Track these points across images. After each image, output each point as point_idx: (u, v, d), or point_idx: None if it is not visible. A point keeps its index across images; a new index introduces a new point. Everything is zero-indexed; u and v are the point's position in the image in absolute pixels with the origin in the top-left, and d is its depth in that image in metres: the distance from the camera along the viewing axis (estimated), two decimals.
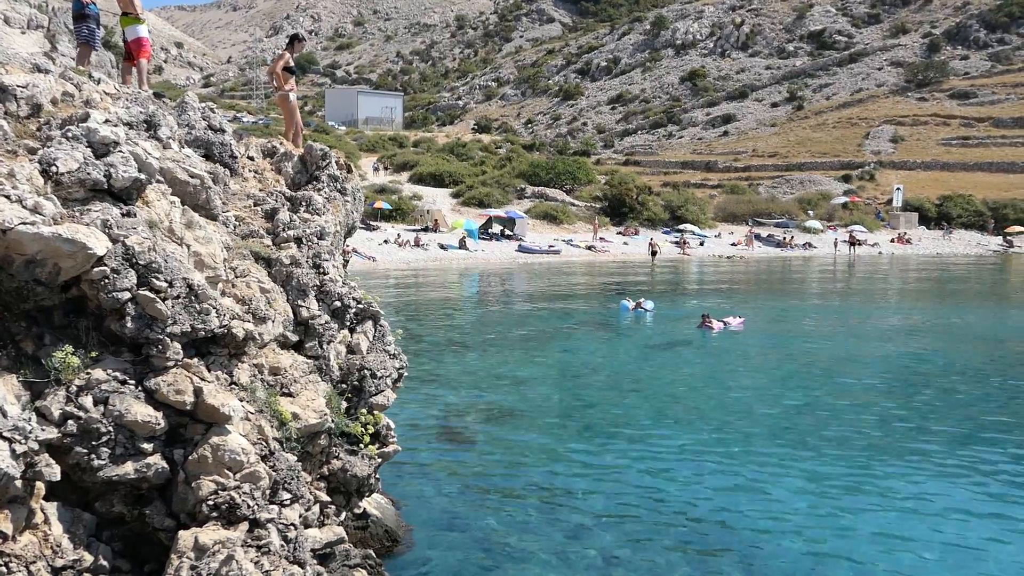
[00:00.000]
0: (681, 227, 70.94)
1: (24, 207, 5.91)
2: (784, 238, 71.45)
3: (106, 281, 6.21)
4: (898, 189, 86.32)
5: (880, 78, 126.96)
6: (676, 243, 65.48)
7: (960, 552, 10.34)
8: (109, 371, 6.25)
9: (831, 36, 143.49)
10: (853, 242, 68.77)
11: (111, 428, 6.06)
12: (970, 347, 25.18)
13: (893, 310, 35.64)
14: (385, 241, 53.32)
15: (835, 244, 69.40)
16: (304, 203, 9.70)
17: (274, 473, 6.74)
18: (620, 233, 69.02)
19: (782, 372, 21.30)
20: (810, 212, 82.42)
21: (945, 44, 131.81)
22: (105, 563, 6.10)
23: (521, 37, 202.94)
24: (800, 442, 14.90)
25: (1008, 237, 77.55)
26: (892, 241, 75.56)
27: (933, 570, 9.86)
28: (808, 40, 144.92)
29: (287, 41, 13.04)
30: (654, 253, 57.09)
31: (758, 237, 70.36)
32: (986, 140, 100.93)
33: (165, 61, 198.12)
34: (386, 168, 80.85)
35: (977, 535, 10.85)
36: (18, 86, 7.08)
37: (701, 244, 67.23)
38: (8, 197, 5.87)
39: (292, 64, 12.69)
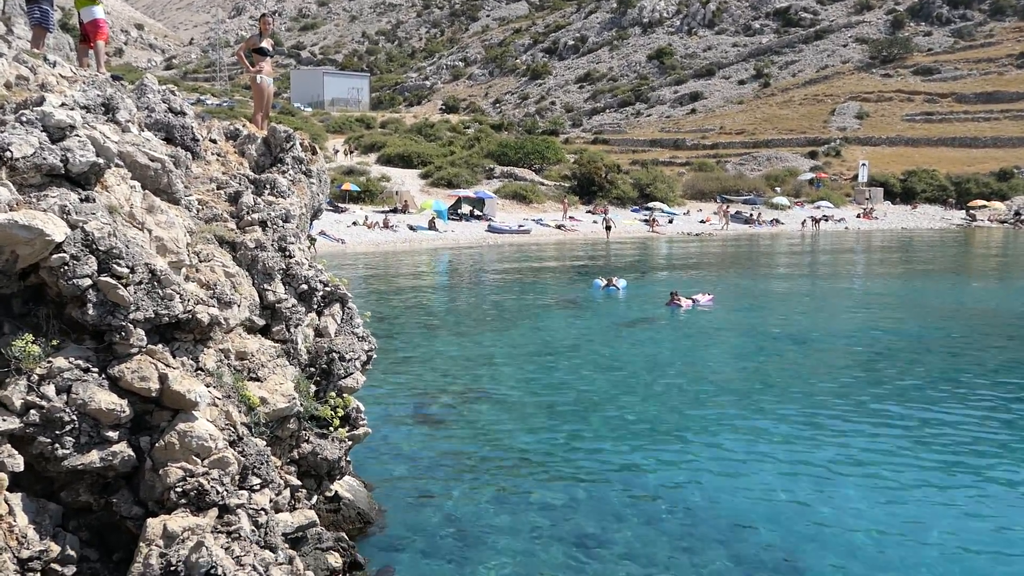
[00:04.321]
0: (650, 205, 71.13)
1: None
2: (752, 215, 71.91)
3: (66, 268, 6.11)
4: (863, 165, 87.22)
5: (845, 55, 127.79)
6: (645, 221, 65.66)
7: (921, 517, 10.56)
8: (71, 359, 6.17)
9: (796, 13, 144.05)
10: (817, 220, 69.78)
11: (75, 417, 5.98)
12: (933, 319, 25.58)
13: (859, 285, 36.11)
14: (354, 223, 52.89)
15: (802, 224, 70.13)
16: (268, 186, 9.60)
17: (243, 458, 6.70)
18: (590, 212, 69.07)
19: (750, 348, 21.49)
20: (777, 189, 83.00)
21: (909, 20, 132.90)
22: (72, 553, 6.04)
23: (488, 16, 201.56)
24: (770, 416, 15.08)
25: (971, 211, 78.74)
26: (858, 216, 76.40)
27: (893, 536, 10.05)
28: (774, 17, 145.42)
29: (257, 22, 12.83)
30: (608, 228, 57.77)
31: (724, 212, 70.65)
32: (949, 116, 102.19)
33: (125, 43, 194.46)
34: (351, 151, 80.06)
35: (949, 497, 11.09)
36: None
37: (670, 222, 67.47)
38: None
39: (264, 44, 12.33)
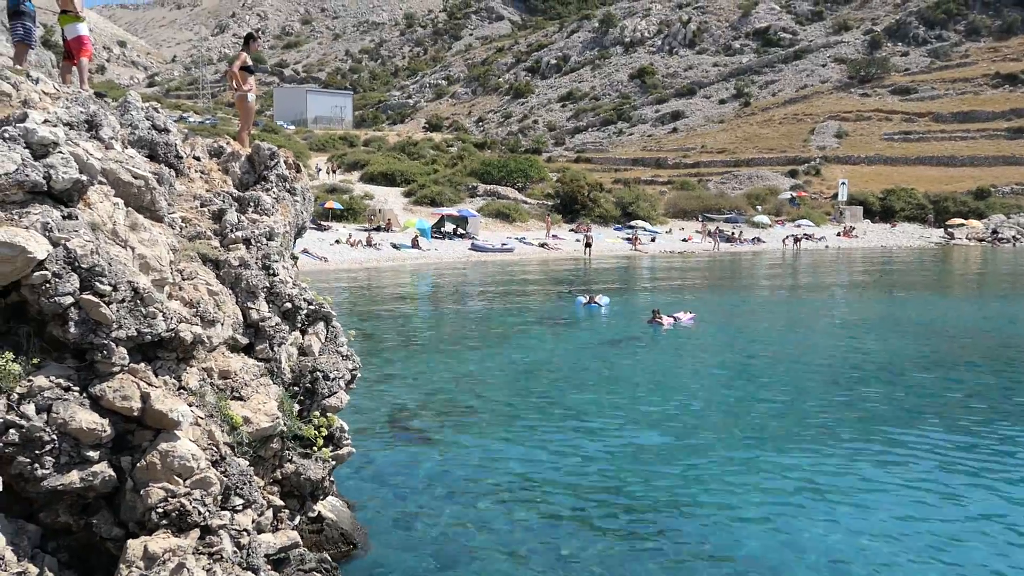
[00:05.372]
0: (632, 224, 71.40)
1: None
2: (733, 233, 72.29)
3: (47, 285, 6.05)
4: (843, 183, 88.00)
5: (824, 74, 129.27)
6: (628, 239, 65.89)
7: (898, 530, 10.58)
8: (52, 378, 6.09)
9: (776, 33, 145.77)
10: (797, 239, 70.18)
11: (55, 436, 5.91)
12: (912, 338, 25.76)
13: (840, 303, 36.34)
14: (337, 241, 52.76)
15: (783, 242, 70.53)
16: (252, 203, 9.56)
17: (225, 479, 6.63)
18: (572, 230, 69.25)
19: (731, 366, 21.55)
20: (758, 207, 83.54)
21: (886, 41, 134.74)
22: (51, 575, 5.94)
23: (471, 35, 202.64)
24: (750, 434, 15.10)
25: (949, 229, 79.53)
26: (838, 235, 76.99)
27: (873, 551, 10.07)
28: (754, 37, 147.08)
29: (243, 41, 12.94)
30: (588, 245, 57.90)
31: (710, 233, 70.86)
32: (926, 135, 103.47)
33: (108, 60, 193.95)
34: (334, 169, 79.94)
35: (922, 514, 11.12)
36: None
37: (653, 240, 67.73)
38: None
39: (250, 63, 12.58)
